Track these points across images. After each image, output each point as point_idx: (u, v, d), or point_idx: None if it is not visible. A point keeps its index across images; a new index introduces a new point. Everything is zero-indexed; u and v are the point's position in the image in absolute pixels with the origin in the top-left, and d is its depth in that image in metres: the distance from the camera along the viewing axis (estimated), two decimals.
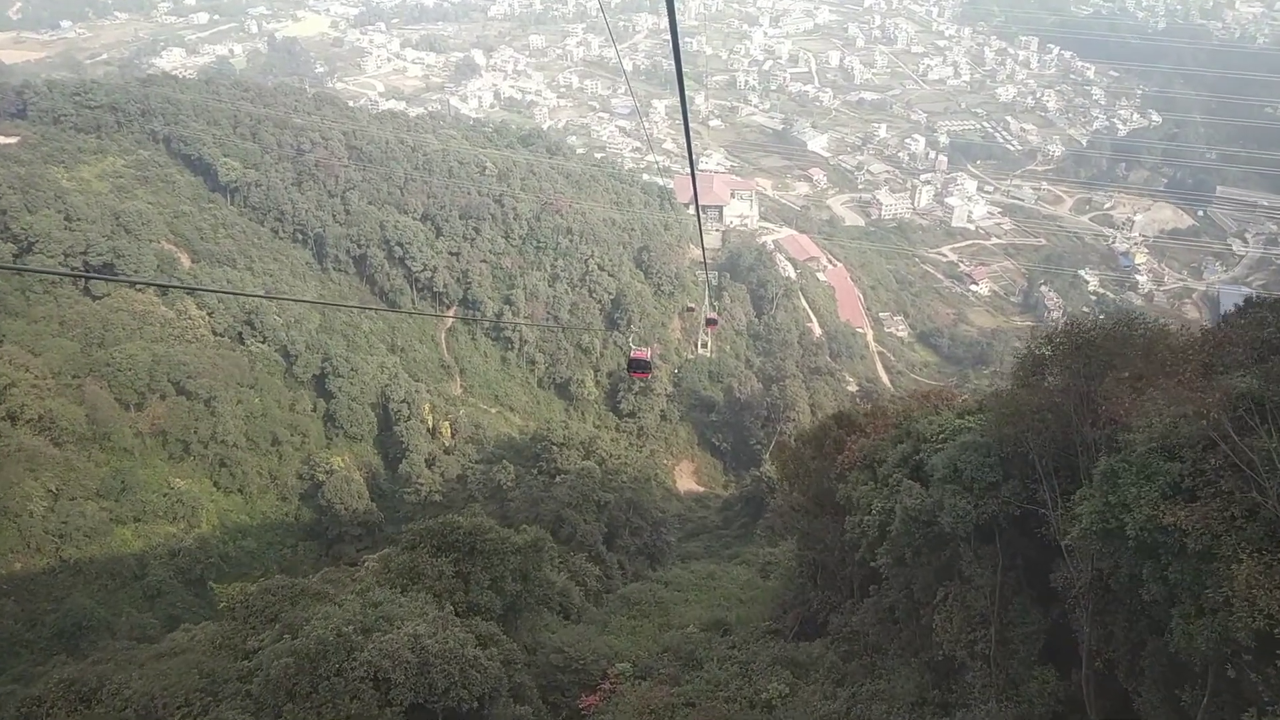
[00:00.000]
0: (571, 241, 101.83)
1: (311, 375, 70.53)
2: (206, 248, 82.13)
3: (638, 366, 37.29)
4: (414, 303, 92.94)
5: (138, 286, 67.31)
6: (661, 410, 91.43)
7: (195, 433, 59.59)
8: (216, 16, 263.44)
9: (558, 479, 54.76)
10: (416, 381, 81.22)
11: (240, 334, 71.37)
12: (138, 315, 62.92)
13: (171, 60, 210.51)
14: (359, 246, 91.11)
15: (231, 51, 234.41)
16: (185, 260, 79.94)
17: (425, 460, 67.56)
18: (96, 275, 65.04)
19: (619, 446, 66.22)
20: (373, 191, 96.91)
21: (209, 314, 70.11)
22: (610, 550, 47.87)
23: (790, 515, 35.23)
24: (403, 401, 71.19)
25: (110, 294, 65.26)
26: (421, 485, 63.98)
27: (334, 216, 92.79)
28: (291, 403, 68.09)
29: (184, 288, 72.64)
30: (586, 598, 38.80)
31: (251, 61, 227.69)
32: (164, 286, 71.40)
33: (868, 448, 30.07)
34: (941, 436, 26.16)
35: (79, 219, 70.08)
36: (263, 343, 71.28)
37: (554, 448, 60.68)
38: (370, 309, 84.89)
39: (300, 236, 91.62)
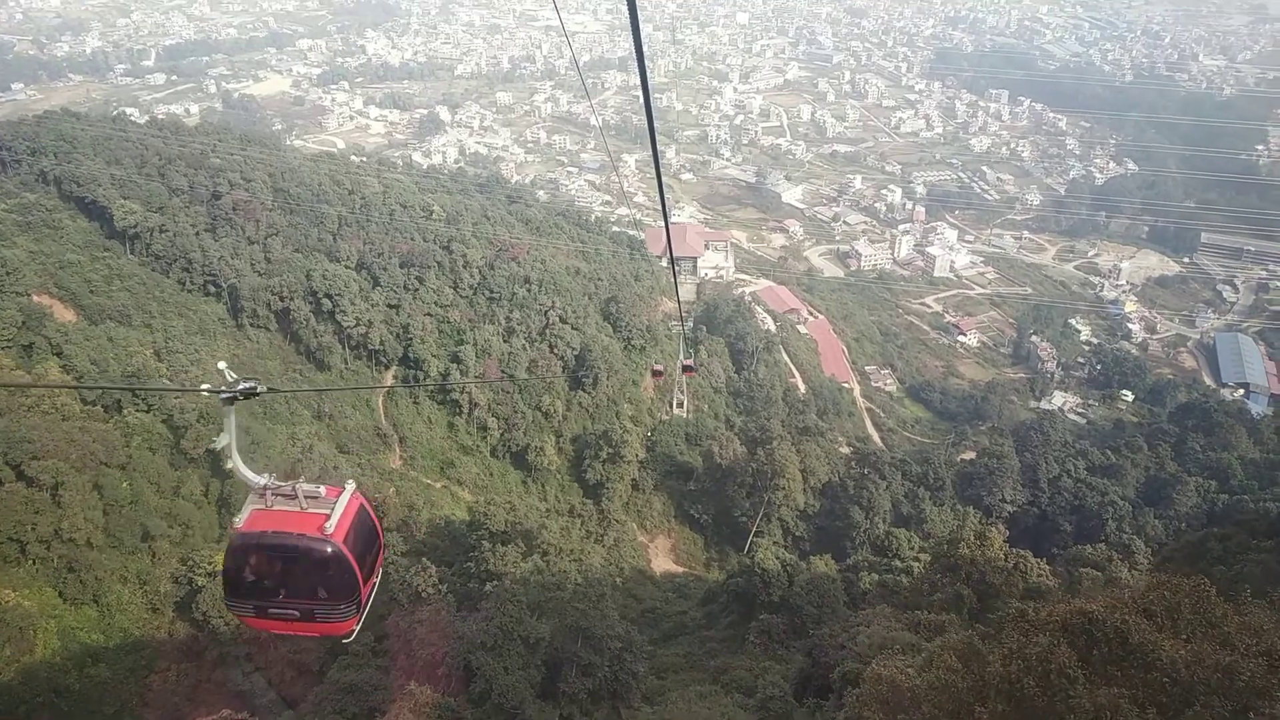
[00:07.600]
0: (530, 292, 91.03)
1: (205, 451, 57.84)
2: (96, 301, 70.16)
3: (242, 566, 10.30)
4: (345, 362, 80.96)
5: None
6: (633, 479, 79.57)
7: (34, 529, 46.65)
8: (174, 77, 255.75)
9: (488, 586, 42.12)
10: (343, 454, 68.96)
11: (119, 402, 58.84)
12: None
13: None
14: (281, 299, 79.00)
15: (187, 111, 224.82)
16: (68, 315, 68.00)
17: None
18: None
19: (571, 538, 53.77)
20: (300, 238, 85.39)
21: (78, 378, 57.58)
22: (549, 700, 35.16)
23: None
24: (317, 480, 58.58)
25: None
26: None
27: (252, 265, 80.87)
28: (176, 485, 55.33)
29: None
30: None
31: (205, 120, 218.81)
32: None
33: None
34: None
35: None
36: (145, 412, 58.73)
37: (485, 543, 48.28)
38: (306, 390, 72.38)
39: (212, 288, 79.38)
